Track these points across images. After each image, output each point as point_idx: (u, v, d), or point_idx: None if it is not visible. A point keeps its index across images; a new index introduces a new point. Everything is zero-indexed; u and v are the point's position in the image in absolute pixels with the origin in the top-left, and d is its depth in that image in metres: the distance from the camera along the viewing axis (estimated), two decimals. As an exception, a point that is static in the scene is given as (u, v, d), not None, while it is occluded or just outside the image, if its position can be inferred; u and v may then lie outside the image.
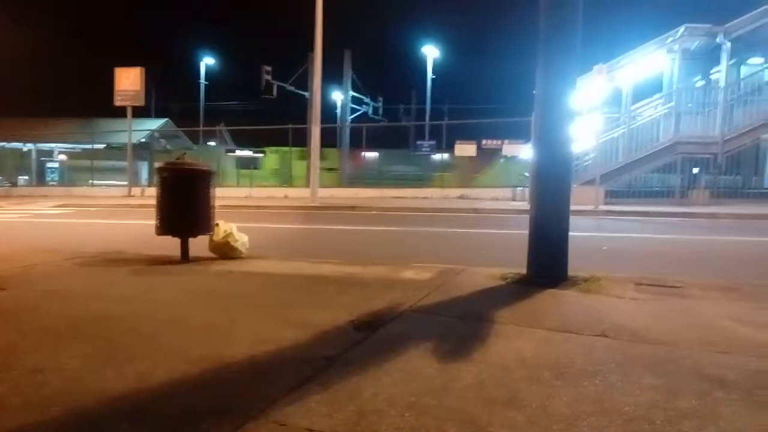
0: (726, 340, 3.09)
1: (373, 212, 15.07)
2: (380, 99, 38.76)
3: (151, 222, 5.70)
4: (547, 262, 4.61)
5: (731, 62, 17.56)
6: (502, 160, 26.10)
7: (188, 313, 3.56)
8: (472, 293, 4.23)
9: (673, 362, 2.69)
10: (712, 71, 18.27)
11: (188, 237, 5.71)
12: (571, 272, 4.66)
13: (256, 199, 19.41)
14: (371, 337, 3.06)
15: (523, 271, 4.73)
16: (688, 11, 18.67)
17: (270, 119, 30.57)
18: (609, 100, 19.61)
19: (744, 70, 20.08)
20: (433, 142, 28.66)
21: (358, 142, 33.65)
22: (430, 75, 37.42)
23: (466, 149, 23.92)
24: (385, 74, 38.80)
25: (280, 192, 23.76)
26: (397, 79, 38.32)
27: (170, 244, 5.83)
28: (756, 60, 20.35)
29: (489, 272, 4.96)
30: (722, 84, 17.41)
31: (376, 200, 18.31)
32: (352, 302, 3.86)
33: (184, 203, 5.54)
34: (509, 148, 24.20)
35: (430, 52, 37.55)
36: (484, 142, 27.28)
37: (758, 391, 2.34)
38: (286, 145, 29.43)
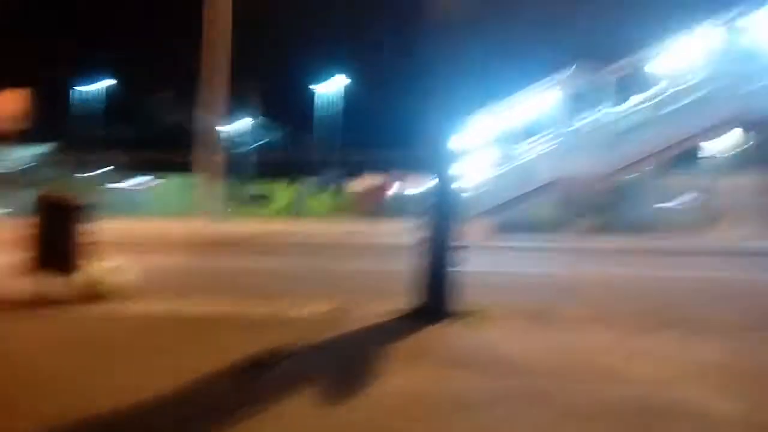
0: (598, 370, 3.27)
1: (271, 245, 14.75)
2: (282, 128, 38.55)
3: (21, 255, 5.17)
4: (437, 296, 4.69)
5: (612, 101, 19.10)
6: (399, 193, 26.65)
7: (40, 365, 3.22)
8: (363, 330, 4.21)
9: (552, 394, 2.79)
10: (591, 111, 19.78)
11: (52, 274, 5.22)
12: (459, 306, 4.75)
13: (150, 232, 18.40)
14: (258, 380, 2.94)
15: (415, 305, 4.76)
16: (581, 52, 20.21)
17: (170, 146, 29.34)
18: (504, 136, 20.66)
19: (621, 111, 21.97)
20: (335, 173, 28.79)
21: (262, 172, 33.14)
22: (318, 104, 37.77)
23: (364, 183, 24.19)
24: (294, 104, 38.42)
25: (177, 224, 22.72)
26: (305, 109, 38.11)
27: (36, 283, 5.31)
28: (637, 98, 22.27)
29: (381, 308, 4.95)
30: (600, 124, 18.89)
31: (275, 235, 18.01)
32: (240, 343, 3.69)
33: (45, 238, 5.08)
34: (411, 181, 24.75)
35: (334, 84, 37.94)
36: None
37: (628, 420, 2.45)
38: (186, 172, 28.27)
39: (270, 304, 5.17)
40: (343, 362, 3.34)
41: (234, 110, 35.41)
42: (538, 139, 21.71)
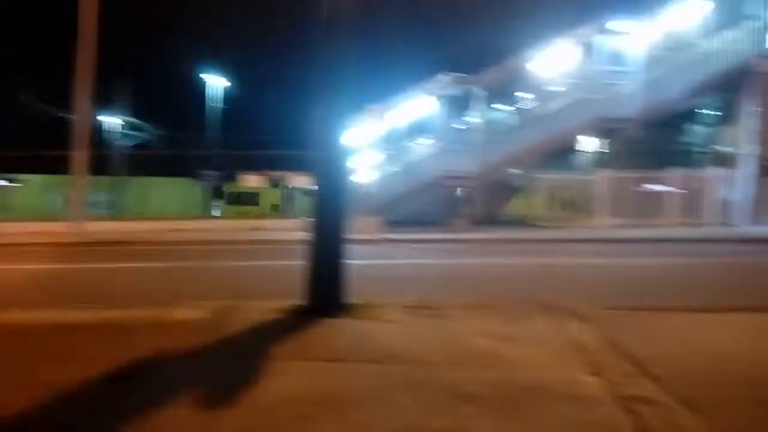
0: (477, 356, 3.42)
1: (152, 247, 13.94)
2: (161, 127, 36.47)
3: None
4: (325, 291, 4.68)
5: (485, 106, 20.32)
6: (288, 191, 26.33)
7: None
8: (247, 330, 4.09)
9: (430, 382, 2.88)
10: (471, 114, 20.86)
11: None
12: (348, 300, 4.78)
13: (7, 236, 16.62)
14: (129, 391, 2.74)
15: (302, 302, 4.72)
16: (459, 58, 21.14)
17: (36, 144, 26.70)
18: (389, 137, 21.16)
19: (495, 114, 23.37)
20: (216, 173, 27.78)
21: (139, 171, 31.14)
22: (210, 102, 36.38)
23: (251, 179, 23.66)
24: (175, 103, 36.34)
25: (43, 227, 20.73)
26: (187, 109, 36.18)
27: None
28: (504, 106, 23.82)
29: (267, 306, 4.85)
30: (478, 125, 20.03)
31: (157, 233, 17.01)
32: (110, 352, 3.43)
33: None
34: (296, 179, 24.59)
35: (216, 82, 36.53)
36: (271, 172, 27.31)
37: (501, 403, 2.60)
38: (54, 172, 25.90)
39: (148, 308, 4.87)
40: (226, 365, 3.22)
41: (108, 106, 33.02)
42: (423, 139, 22.50)
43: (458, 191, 19.35)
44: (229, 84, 35.97)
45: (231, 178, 28.28)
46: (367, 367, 3.13)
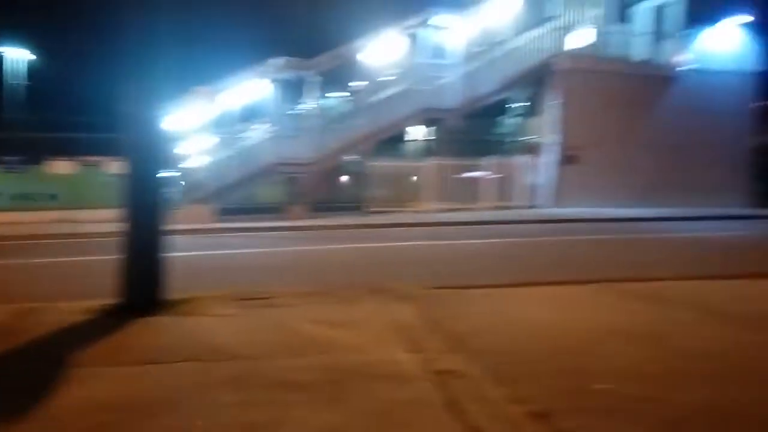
0: (306, 344, 3.42)
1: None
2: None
3: None
4: (142, 288, 4.35)
5: (320, 92, 20.38)
6: (105, 179, 23.98)
7: None
8: (50, 334, 3.66)
9: (254, 375, 2.82)
10: (305, 100, 20.78)
11: None
12: (170, 295, 4.49)
13: None
14: None
15: (116, 300, 4.34)
16: (292, 41, 20.79)
17: None
18: (222, 121, 20.28)
19: (330, 101, 23.55)
20: (20, 157, 24.39)
21: None
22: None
23: (61, 166, 21.15)
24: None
25: None
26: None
27: None
28: (339, 93, 24.10)
29: (75, 306, 4.38)
30: (313, 112, 20.05)
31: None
32: None
33: None
34: (113, 165, 22.45)
35: (17, 55, 31.93)
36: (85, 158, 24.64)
37: (325, 388, 2.62)
38: None
39: None
40: (22, 374, 2.85)
41: None
42: (257, 124, 21.95)
43: (294, 178, 19.25)
44: (33, 57, 31.73)
45: (37, 163, 25.02)
46: (185, 367, 2.97)
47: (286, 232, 13.57)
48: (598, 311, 4.34)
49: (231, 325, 3.91)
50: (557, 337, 3.58)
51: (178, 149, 20.60)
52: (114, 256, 4.33)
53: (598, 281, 5.40)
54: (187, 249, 9.19)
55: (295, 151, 18.66)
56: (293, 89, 20.35)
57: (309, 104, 20.45)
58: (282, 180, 19.62)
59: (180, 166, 18.42)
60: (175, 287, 4.52)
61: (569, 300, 4.81)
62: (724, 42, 20.99)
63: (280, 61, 19.26)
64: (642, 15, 21.12)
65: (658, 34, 20.76)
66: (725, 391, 2.54)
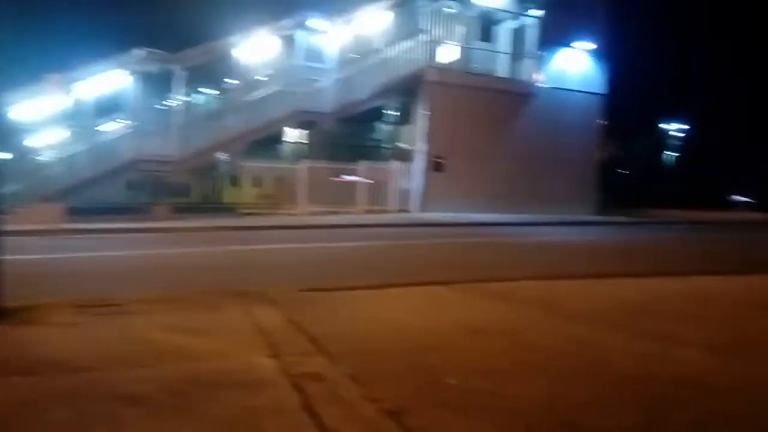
0: (156, 353, 3.21)
1: None
2: None
3: None
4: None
5: (187, 88, 19.40)
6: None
7: None
8: None
9: (92, 389, 2.58)
10: (171, 95, 19.67)
11: None
12: (7, 303, 3.99)
13: None
14: None
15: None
16: (150, 34, 19.54)
17: None
18: (76, 113, 18.57)
19: (199, 98, 22.56)
20: None
21: None
22: None
23: None
24: None
25: None
26: None
27: None
28: (209, 89, 23.15)
29: None
30: (179, 107, 19.05)
31: None
32: None
33: None
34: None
35: None
36: None
37: (169, 400, 2.46)
38: None
39: None
40: None
41: None
42: (114, 119, 20.43)
43: (158, 176, 18.15)
44: None
45: None
46: (16, 382, 2.65)
47: (148, 234, 12.73)
48: (456, 310, 4.54)
49: (74, 335, 3.57)
50: (417, 336, 3.68)
51: (25, 142, 18.58)
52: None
53: (456, 282, 5.66)
54: (30, 252, 8.29)
55: (160, 148, 17.60)
56: (158, 83, 19.17)
57: (176, 100, 19.41)
58: (144, 178, 18.42)
59: (25, 159, 16.62)
60: (14, 294, 4.04)
61: (430, 300, 4.98)
62: (574, 65, 23.15)
63: (143, 52, 18.07)
64: (503, 35, 22.66)
65: (517, 54, 22.38)
66: (564, 383, 2.75)
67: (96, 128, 19.16)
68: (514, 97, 21.78)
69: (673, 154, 53.67)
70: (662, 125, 52.17)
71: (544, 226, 16.92)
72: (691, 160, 51.41)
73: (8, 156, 15.37)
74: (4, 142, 4.03)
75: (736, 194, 45.22)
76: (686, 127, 51.00)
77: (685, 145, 52.60)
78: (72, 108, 18.40)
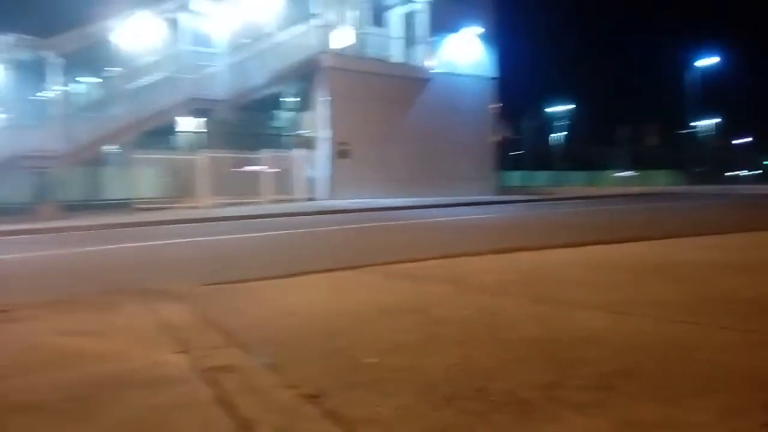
0: (51, 358, 2.98)
1: None
2: None
3: None
4: None
5: (65, 77, 17.94)
6: None
7: None
8: None
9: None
10: (47, 85, 18.12)
11: None
12: None
13: None
14: None
15: None
16: (17, 17, 17.80)
17: None
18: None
19: (80, 87, 20.94)
20: None
21: None
22: None
23: None
24: None
25: None
26: None
27: None
28: (90, 78, 21.57)
29: None
30: (58, 98, 17.61)
31: None
32: None
33: None
34: None
35: None
36: None
37: (67, 406, 2.29)
38: None
39: None
40: None
41: None
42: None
43: (41, 173, 16.77)
44: None
45: None
46: None
47: (33, 235, 11.76)
48: (366, 293, 4.58)
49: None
50: (329, 320, 3.67)
51: None
52: None
53: (365, 265, 5.71)
54: None
55: (41, 143, 16.27)
56: (31, 72, 17.59)
57: (53, 90, 17.90)
58: (27, 175, 16.96)
59: None
60: None
61: (341, 285, 4.99)
62: (466, 49, 23.93)
63: (11, 38, 16.48)
64: (395, 20, 22.97)
65: (410, 39, 22.79)
66: (475, 351, 2.86)
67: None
68: (409, 82, 22.18)
69: (560, 134, 57.12)
70: (550, 107, 55.34)
71: (447, 207, 17.46)
72: (577, 139, 54.99)
73: None
74: None
75: (618, 170, 49.10)
76: (571, 107, 54.44)
77: (571, 124, 56.17)
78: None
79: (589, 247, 6.78)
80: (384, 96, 21.16)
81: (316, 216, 15.10)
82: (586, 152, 53.86)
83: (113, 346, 3.18)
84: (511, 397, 2.17)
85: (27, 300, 4.55)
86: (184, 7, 18.96)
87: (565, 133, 56.66)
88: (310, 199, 19.79)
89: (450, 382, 2.40)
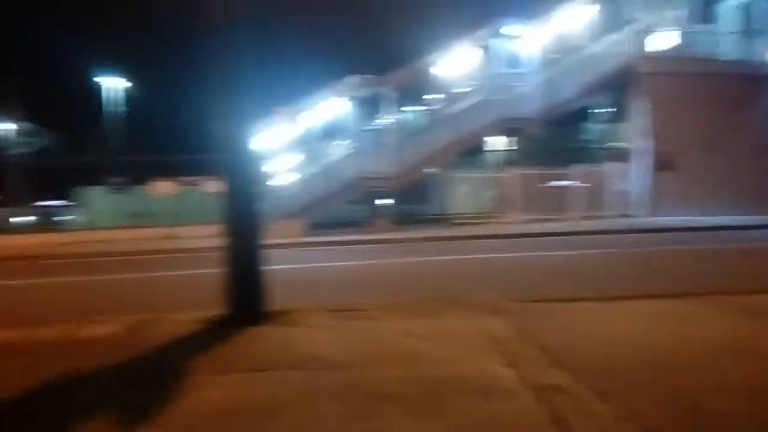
0: (401, 355, 3.49)
1: (51, 261, 13.05)
2: (59, 133, 34.07)
3: None
4: (245, 300, 4.59)
5: (395, 108, 20.62)
6: (204, 197, 25.40)
7: None
8: (164, 344, 3.95)
9: (353, 385, 2.91)
10: (382, 115, 21.09)
11: None
12: (271, 307, 4.70)
13: None
14: (34, 417, 2.57)
15: (224, 311, 4.60)
16: (360, 61, 21.31)
17: None
18: (304, 139, 21.05)
19: (407, 115, 23.79)
20: (123, 179, 26.43)
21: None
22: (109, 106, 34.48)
23: (164, 186, 22.69)
24: (72, 108, 34.09)
25: None
26: (85, 113, 34.02)
27: None
28: (415, 107, 24.30)
29: (185, 318, 4.70)
30: (391, 126, 20.33)
31: (67, 246, 15.95)
32: (14, 375, 3.20)
33: None
34: (212, 185, 23.76)
35: (114, 84, 34.38)
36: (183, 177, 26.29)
37: (422, 400, 2.67)
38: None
39: (60, 326, 4.58)
40: (142, 382, 3.10)
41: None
42: (338, 141, 22.54)
43: (377, 191, 19.55)
44: (129, 85, 34.15)
45: (140, 184, 26.93)
46: (290, 375, 3.11)
47: (373, 246, 13.76)
48: (702, 327, 4.11)
49: (329, 335, 4.05)
50: (659, 353, 3.43)
51: (267, 167, 21.50)
52: (216, 270, 4.61)
53: (701, 294, 5.11)
54: (280, 262, 9.55)
55: (377, 166, 18.96)
56: (370, 106, 20.77)
57: (386, 119, 20.74)
58: (366, 194, 19.98)
59: (269, 183, 19.24)
60: (273, 299, 4.73)
61: (669, 315, 4.58)
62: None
63: (356, 79, 19.74)
64: (726, 14, 19.91)
65: (747, 33, 19.44)
66: None
67: (322, 151, 21.37)
68: (745, 80, 18.88)
69: None
70: None
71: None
72: None
73: (263, 182, 17.91)
74: (258, 168, 4.76)
75: None
76: None
77: None
78: (300, 135, 20.86)
79: None
80: (712, 99, 18.51)
81: (633, 235, 14.05)
82: None
83: (448, 351, 3.55)
84: None
85: (373, 302, 5.37)
86: (495, 33, 19.95)
87: None
88: (624, 216, 18.53)
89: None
